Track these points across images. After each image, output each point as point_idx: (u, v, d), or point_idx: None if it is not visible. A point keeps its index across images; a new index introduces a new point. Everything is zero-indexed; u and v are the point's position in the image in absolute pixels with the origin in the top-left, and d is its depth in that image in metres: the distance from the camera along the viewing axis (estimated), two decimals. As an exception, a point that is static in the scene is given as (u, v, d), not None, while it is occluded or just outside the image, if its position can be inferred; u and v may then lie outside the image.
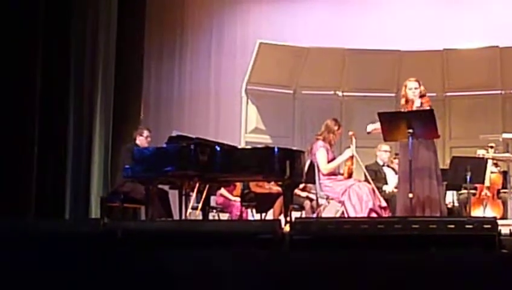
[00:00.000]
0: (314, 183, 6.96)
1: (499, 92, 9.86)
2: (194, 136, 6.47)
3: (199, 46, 10.28)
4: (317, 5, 10.12)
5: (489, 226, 4.13)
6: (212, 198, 7.61)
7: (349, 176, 6.74)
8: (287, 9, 10.17)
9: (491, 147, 7.42)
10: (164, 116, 9.97)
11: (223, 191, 7.82)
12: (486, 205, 7.52)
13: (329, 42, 9.92)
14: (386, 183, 7.66)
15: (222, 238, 4.28)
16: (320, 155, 6.74)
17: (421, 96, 6.17)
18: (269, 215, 7.75)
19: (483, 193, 7.55)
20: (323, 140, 6.82)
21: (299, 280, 3.67)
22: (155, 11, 9.89)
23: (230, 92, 10.06)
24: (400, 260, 3.70)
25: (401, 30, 9.88)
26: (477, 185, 7.40)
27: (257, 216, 7.87)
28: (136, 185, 6.79)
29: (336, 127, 6.86)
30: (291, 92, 10.23)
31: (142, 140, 7.31)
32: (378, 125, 6.20)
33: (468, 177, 6.70)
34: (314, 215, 7.21)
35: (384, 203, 6.59)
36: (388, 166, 7.92)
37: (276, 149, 6.31)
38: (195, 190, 6.76)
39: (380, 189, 7.14)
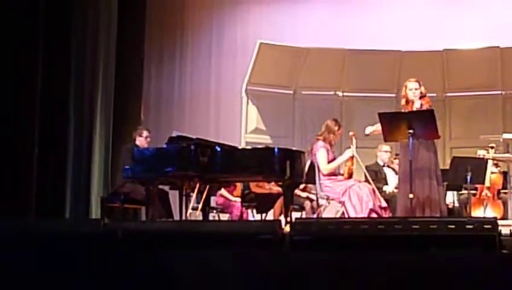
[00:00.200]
0: (314, 183, 6.96)
1: (499, 92, 9.85)
2: (194, 137, 6.47)
3: (199, 46, 10.28)
4: (317, 5, 10.12)
5: (489, 226, 4.14)
6: (213, 198, 7.60)
7: (350, 176, 6.74)
8: (287, 9, 10.17)
9: (492, 147, 7.42)
10: (164, 116, 9.98)
11: (223, 191, 7.82)
12: (486, 206, 7.52)
13: (330, 42, 9.91)
14: (387, 184, 7.66)
15: (222, 239, 4.28)
16: (321, 155, 6.74)
17: (422, 96, 6.18)
18: (269, 216, 7.75)
19: (483, 193, 7.56)
20: (324, 140, 6.82)
21: (299, 280, 3.67)
22: (155, 12, 9.89)
23: (231, 93, 10.06)
24: (400, 260, 3.70)
25: (401, 30, 9.87)
26: (478, 186, 7.40)
27: (257, 217, 7.87)
28: (137, 185, 6.79)
29: (336, 128, 6.86)
30: (292, 92, 10.23)
31: (141, 140, 7.31)
32: (376, 127, 6.23)
33: (468, 178, 6.70)
34: (315, 215, 7.21)
35: (384, 204, 6.59)
36: (388, 166, 7.92)
37: (276, 149, 6.32)
38: (196, 191, 6.76)
39: (380, 189, 7.14)
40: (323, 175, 6.72)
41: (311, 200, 7.48)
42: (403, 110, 6.20)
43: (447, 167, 7.11)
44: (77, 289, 3.83)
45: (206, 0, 10.43)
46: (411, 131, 5.83)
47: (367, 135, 6.42)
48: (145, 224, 5.88)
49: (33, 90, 7.52)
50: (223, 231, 4.63)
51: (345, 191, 6.54)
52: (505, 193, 7.60)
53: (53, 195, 7.78)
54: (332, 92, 10.24)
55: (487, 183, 7.28)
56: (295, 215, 6.85)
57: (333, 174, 6.79)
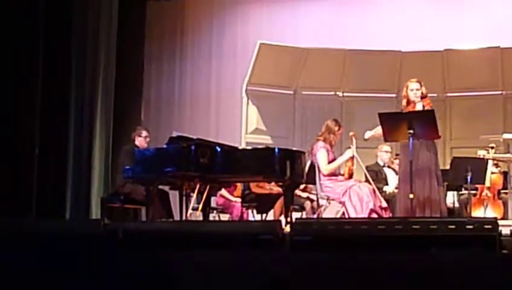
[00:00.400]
0: (314, 184, 6.96)
1: (499, 92, 9.84)
2: (194, 137, 6.47)
3: (199, 46, 10.28)
4: (318, 5, 10.11)
5: (489, 226, 4.14)
6: (213, 199, 7.60)
7: (350, 176, 6.74)
8: (287, 10, 10.16)
9: (492, 147, 7.41)
10: (165, 116, 9.98)
11: (223, 191, 7.82)
12: (486, 206, 7.52)
13: (330, 43, 9.91)
14: (387, 184, 7.67)
15: (222, 239, 4.28)
16: (321, 156, 6.74)
17: (423, 97, 6.18)
18: (270, 216, 7.74)
19: (483, 194, 7.55)
20: (324, 141, 6.82)
21: (299, 280, 3.67)
22: (155, 12, 9.89)
23: (231, 93, 10.05)
24: (400, 260, 3.69)
25: (401, 30, 9.86)
26: (478, 186, 7.40)
27: (258, 217, 7.87)
28: (137, 186, 6.78)
29: (337, 128, 6.86)
30: (292, 92, 10.23)
31: (141, 140, 7.30)
32: (375, 131, 6.25)
33: (468, 178, 6.70)
34: (315, 216, 7.21)
35: (384, 204, 6.58)
36: (389, 167, 7.92)
37: (276, 150, 6.32)
38: (196, 191, 6.76)
39: (380, 189, 7.14)
40: (324, 175, 6.72)
41: (312, 201, 7.48)
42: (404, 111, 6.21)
43: (447, 167, 7.11)
44: (77, 289, 3.83)
45: (206, 1, 10.43)
46: (411, 131, 5.82)
47: (366, 139, 6.47)
48: (145, 224, 5.89)
49: (33, 90, 7.53)
50: (223, 231, 4.64)
51: (345, 191, 6.54)
52: (505, 193, 7.60)
53: (53, 195, 7.79)
54: (332, 93, 10.24)
55: (487, 183, 7.27)
56: (295, 215, 6.85)
57: (333, 174, 6.79)
